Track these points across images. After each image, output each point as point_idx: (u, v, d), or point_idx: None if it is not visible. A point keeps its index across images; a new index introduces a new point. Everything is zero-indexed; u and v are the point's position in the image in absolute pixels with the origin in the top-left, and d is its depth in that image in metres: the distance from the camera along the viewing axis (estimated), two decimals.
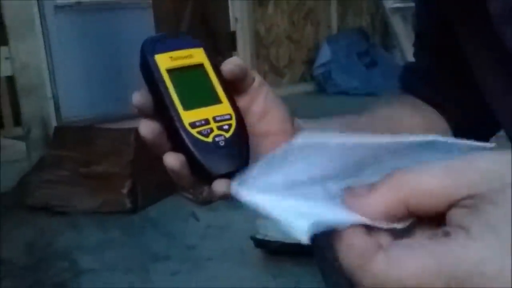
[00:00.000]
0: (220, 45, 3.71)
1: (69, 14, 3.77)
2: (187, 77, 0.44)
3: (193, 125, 0.42)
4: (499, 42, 0.50)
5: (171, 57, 0.44)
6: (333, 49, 4.29)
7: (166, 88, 0.43)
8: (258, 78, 0.49)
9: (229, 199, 0.43)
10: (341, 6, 4.64)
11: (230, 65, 0.46)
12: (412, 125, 0.63)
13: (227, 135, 0.43)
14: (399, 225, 0.31)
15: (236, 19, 3.94)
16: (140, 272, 1.66)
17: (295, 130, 0.51)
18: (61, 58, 3.33)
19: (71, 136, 2.48)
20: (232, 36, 3.93)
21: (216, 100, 0.44)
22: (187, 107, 0.43)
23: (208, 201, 0.46)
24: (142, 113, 0.44)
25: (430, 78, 0.66)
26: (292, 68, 4.43)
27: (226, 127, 0.43)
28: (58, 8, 3.66)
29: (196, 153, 0.42)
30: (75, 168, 2.26)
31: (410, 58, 0.71)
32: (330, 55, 4.27)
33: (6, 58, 2.50)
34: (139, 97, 0.44)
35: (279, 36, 4.32)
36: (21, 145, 2.57)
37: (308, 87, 4.46)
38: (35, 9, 2.72)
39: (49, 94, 2.77)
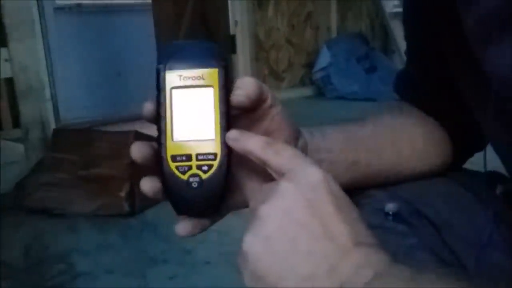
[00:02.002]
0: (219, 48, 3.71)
1: (69, 16, 3.77)
2: (189, 102, 0.43)
3: (174, 158, 0.42)
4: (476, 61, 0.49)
5: (181, 75, 0.42)
6: (333, 53, 4.29)
7: (164, 112, 0.42)
8: (270, 100, 0.47)
9: (194, 235, 0.45)
10: (341, 10, 4.64)
11: (240, 97, 0.43)
12: (413, 135, 0.63)
13: (204, 176, 0.42)
14: None
15: (236, 22, 3.94)
16: (137, 276, 1.66)
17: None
18: (60, 60, 3.33)
19: (69, 139, 2.48)
20: (232, 39, 3.93)
21: (208, 135, 0.43)
22: (176, 137, 0.42)
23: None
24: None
25: (423, 87, 0.65)
26: (291, 72, 4.44)
27: (205, 168, 0.42)
28: (58, 10, 3.66)
29: (168, 188, 0.43)
30: (74, 171, 2.25)
31: None
32: (330, 59, 4.27)
33: (6, 60, 2.50)
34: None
35: (279, 40, 4.32)
36: (20, 147, 2.56)
37: (307, 91, 4.46)
38: (35, 11, 2.72)
39: (48, 96, 2.77)
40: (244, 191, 0.46)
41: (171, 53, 0.43)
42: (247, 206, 0.46)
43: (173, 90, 0.42)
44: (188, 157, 0.42)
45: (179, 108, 0.42)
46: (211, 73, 0.42)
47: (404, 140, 0.62)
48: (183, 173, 0.42)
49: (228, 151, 0.43)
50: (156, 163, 0.43)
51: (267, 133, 0.47)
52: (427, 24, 0.60)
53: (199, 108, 0.43)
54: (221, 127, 0.43)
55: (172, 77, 0.42)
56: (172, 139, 0.42)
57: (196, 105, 0.43)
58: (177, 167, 0.42)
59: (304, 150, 0.53)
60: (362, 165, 0.58)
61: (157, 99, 0.42)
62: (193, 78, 0.42)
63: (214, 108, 0.43)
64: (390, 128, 0.63)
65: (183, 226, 0.44)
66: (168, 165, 0.42)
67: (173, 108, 0.42)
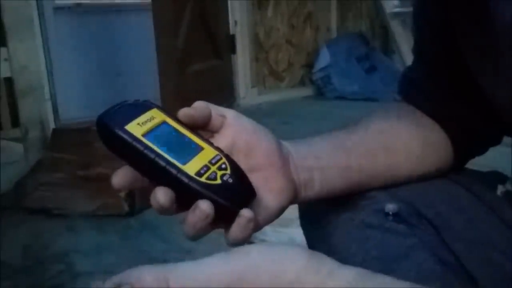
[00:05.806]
0: (219, 48, 3.71)
1: (68, 16, 3.77)
2: (162, 136, 0.45)
3: (199, 174, 0.44)
4: (507, 52, 0.48)
5: (138, 123, 0.45)
6: (333, 53, 4.28)
7: (154, 151, 0.43)
8: (231, 113, 0.50)
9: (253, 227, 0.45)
10: (341, 10, 4.64)
11: (185, 109, 0.47)
12: (408, 138, 0.62)
13: (229, 172, 0.45)
14: None
15: (235, 22, 3.94)
16: None
17: (283, 160, 0.51)
18: (60, 59, 3.32)
19: (69, 139, 2.48)
20: (232, 39, 3.93)
21: (199, 148, 0.46)
22: (183, 161, 0.44)
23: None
24: (128, 189, 0.45)
25: (428, 89, 0.65)
26: (291, 72, 4.43)
27: (223, 166, 0.46)
28: (58, 9, 3.65)
29: (215, 197, 0.44)
30: (73, 171, 2.25)
31: (409, 63, 0.70)
32: (330, 59, 4.27)
33: (5, 60, 2.50)
34: (120, 177, 0.46)
35: (279, 40, 4.31)
36: (19, 147, 2.56)
37: (307, 91, 4.46)
38: (34, 10, 2.71)
39: (48, 96, 2.77)
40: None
41: (113, 116, 0.45)
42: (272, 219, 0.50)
43: (143, 134, 0.44)
44: (207, 167, 0.45)
45: (160, 144, 0.44)
46: (155, 112, 0.46)
47: (398, 144, 0.62)
48: (214, 179, 0.44)
49: (221, 150, 0.47)
50: (179, 194, 0.44)
51: (249, 147, 0.49)
52: (441, 18, 0.59)
53: (173, 137, 0.46)
54: (200, 138, 0.47)
55: (134, 128, 0.44)
56: (181, 164, 0.44)
57: (168, 137, 0.46)
58: (207, 178, 0.44)
59: (288, 159, 0.53)
60: (355, 170, 0.58)
61: (133, 151, 0.44)
62: (148, 121, 0.45)
63: (181, 131, 0.47)
64: (383, 132, 0.62)
65: (247, 210, 0.44)
66: (200, 181, 0.44)
67: (157, 146, 0.44)
